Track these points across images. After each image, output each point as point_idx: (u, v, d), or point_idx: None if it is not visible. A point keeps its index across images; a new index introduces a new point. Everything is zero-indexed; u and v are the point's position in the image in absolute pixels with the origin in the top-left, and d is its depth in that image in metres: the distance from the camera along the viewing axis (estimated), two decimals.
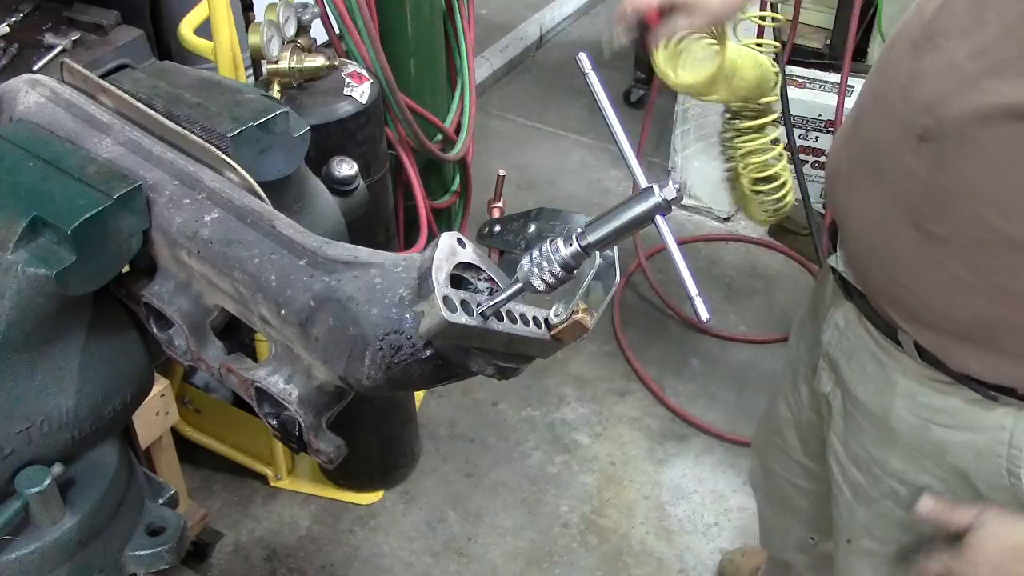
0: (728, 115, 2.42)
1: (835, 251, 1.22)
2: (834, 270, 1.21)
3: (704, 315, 0.68)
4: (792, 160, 2.54)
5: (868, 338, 1.16)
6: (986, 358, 1.02)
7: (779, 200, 2.46)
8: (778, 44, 2.20)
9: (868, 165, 1.07)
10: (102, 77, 0.99)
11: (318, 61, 1.82)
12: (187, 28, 1.88)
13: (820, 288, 1.36)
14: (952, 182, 0.95)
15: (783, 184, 2.43)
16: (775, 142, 2.40)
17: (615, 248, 0.73)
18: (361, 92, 1.88)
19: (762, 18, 2.47)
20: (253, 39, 1.74)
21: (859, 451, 1.23)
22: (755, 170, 2.41)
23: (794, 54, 2.69)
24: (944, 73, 0.95)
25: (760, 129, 2.33)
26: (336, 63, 1.88)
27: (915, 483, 1.16)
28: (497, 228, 1.10)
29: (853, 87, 2.33)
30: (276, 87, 1.80)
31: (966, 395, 1.06)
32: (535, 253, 0.71)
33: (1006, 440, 1.05)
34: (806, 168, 3.12)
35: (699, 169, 3.34)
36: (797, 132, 2.62)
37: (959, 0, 0.95)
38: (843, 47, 2.64)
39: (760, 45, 2.20)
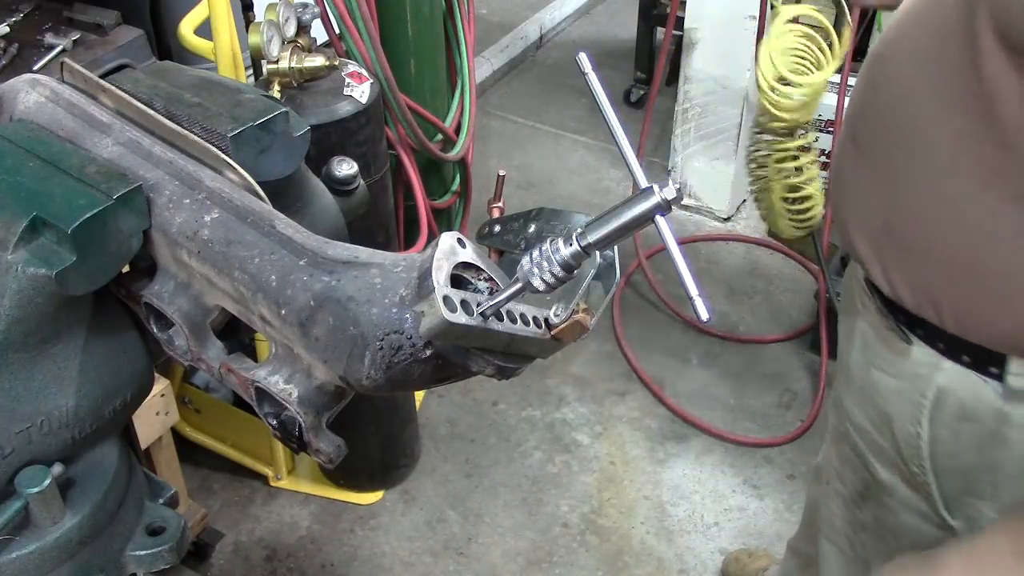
0: (757, 130, 2.48)
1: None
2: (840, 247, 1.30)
3: (704, 315, 0.68)
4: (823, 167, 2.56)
5: (854, 296, 1.24)
6: (901, 271, 1.08)
7: (809, 211, 2.50)
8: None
9: (845, 117, 1.20)
10: (102, 77, 0.99)
11: (318, 61, 1.82)
12: (187, 28, 1.88)
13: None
14: (871, 93, 1.09)
15: (811, 196, 2.48)
16: (803, 149, 2.44)
17: (615, 248, 0.73)
18: (361, 92, 1.88)
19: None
20: (253, 39, 1.74)
21: (836, 396, 1.33)
22: (786, 178, 2.44)
23: None
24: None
25: (791, 137, 2.42)
26: (336, 63, 1.88)
27: (859, 425, 1.24)
28: (497, 228, 1.10)
29: (853, 87, 2.33)
30: (276, 87, 1.80)
31: (897, 345, 1.12)
32: (535, 253, 0.71)
33: (921, 390, 1.10)
34: None
35: (699, 169, 3.34)
36: (797, 132, 2.63)
37: None
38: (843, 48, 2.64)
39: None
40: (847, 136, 1.14)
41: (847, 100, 1.31)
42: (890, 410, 1.16)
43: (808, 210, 2.50)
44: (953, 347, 1.06)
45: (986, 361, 1.02)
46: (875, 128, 1.09)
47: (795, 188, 2.47)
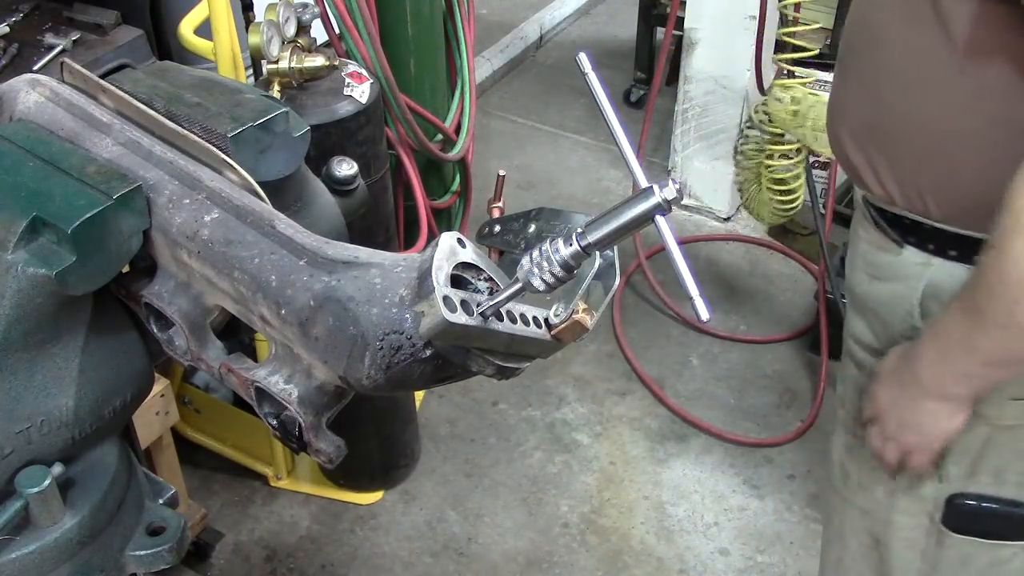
0: (748, 124, 2.60)
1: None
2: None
3: (704, 315, 0.68)
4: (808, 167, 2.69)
5: (857, 226, 1.34)
6: (890, 170, 1.18)
7: (792, 202, 2.68)
8: None
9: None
10: (102, 77, 0.99)
11: (318, 61, 1.82)
12: (187, 28, 1.88)
13: None
14: (853, 11, 1.21)
15: (797, 189, 2.65)
16: (799, 151, 2.60)
17: (615, 248, 0.73)
18: (361, 92, 1.88)
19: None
20: (253, 39, 1.74)
21: (846, 327, 1.42)
22: (776, 173, 2.62)
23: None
24: None
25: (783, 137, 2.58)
26: (336, 63, 1.88)
27: (860, 337, 1.34)
28: (497, 228, 1.10)
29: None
30: (276, 87, 1.80)
31: (894, 250, 1.23)
32: (535, 253, 0.71)
33: (913, 286, 1.21)
34: None
35: (699, 169, 3.34)
36: (788, 139, 2.69)
37: None
38: None
39: None
40: (838, 55, 1.28)
41: None
42: (887, 315, 1.26)
43: (791, 202, 2.69)
44: (942, 244, 1.17)
45: (972, 251, 1.11)
46: (852, 42, 1.22)
47: (782, 182, 2.65)
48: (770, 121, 2.61)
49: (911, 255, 1.20)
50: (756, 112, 2.72)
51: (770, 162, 2.74)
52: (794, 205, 2.81)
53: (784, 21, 2.60)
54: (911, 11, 1.08)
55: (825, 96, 2.39)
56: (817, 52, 2.61)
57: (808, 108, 2.46)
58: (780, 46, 2.63)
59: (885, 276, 1.26)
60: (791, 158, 2.71)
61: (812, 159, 2.95)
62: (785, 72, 2.63)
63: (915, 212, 1.17)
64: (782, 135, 2.67)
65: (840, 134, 1.26)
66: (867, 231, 1.29)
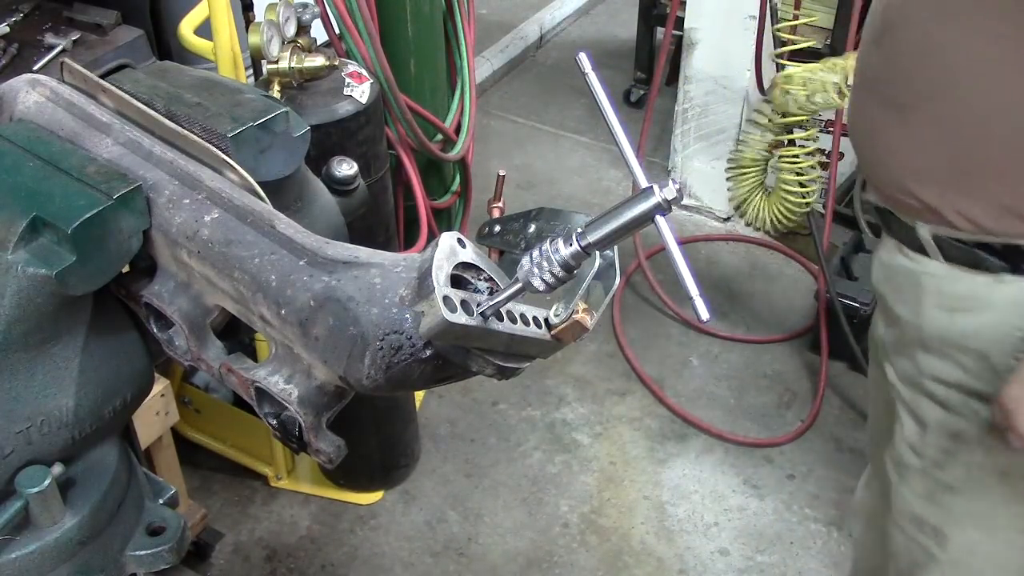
0: (747, 132, 2.59)
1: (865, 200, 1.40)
2: (867, 208, 1.37)
3: (704, 315, 0.68)
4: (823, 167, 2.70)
5: (901, 258, 1.31)
6: (980, 197, 1.16)
7: (808, 196, 2.67)
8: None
9: (859, 86, 1.31)
10: (102, 77, 0.99)
11: (318, 61, 1.82)
12: (187, 28, 1.88)
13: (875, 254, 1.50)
14: (897, 49, 1.19)
15: (814, 180, 2.65)
16: (812, 142, 2.60)
17: (615, 248, 0.73)
18: (361, 92, 1.88)
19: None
20: (253, 39, 1.74)
21: (907, 367, 1.35)
22: (797, 163, 2.61)
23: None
24: None
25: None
26: (336, 63, 1.88)
27: (948, 379, 1.29)
28: (497, 228, 1.10)
29: (862, 67, 2.39)
30: (276, 87, 1.80)
31: (982, 278, 1.20)
32: (535, 253, 0.71)
33: (1019, 313, 1.19)
34: None
35: (699, 169, 3.34)
36: (797, 132, 2.67)
37: None
38: (843, 47, 2.64)
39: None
40: (880, 105, 1.24)
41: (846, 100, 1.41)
42: (985, 346, 1.23)
43: (806, 196, 2.69)
44: None
45: None
46: (918, 89, 1.18)
47: (800, 174, 2.65)
48: (781, 116, 2.59)
49: (1010, 279, 1.19)
50: (759, 111, 2.71)
51: (783, 152, 2.71)
52: (810, 200, 2.78)
53: (776, 16, 2.59)
54: (994, 38, 1.08)
55: (827, 74, 2.42)
56: (814, 44, 2.62)
57: (820, 83, 2.46)
58: (779, 45, 2.63)
59: (974, 307, 1.23)
60: (805, 147, 2.69)
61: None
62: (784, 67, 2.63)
63: (1011, 231, 1.16)
64: (790, 129, 2.64)
65: (903, 180, 1.23)
66: (936, 266, 1.26)
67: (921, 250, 1.27)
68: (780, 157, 2.73)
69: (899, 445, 1.41)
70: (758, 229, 3.01)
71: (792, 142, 2.68)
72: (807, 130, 2.68)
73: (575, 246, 0.69)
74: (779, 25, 2.58)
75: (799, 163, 2.69)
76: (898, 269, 1.33)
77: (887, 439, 1.48)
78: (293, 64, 1.79)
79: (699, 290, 0.68)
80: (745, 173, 2.84)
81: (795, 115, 2.56)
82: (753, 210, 2.90)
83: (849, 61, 2.38)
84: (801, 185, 2.72)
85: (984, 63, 1.11)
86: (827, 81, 2.40)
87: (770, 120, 2.68)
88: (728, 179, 2.96)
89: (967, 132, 1.15)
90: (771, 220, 2.86)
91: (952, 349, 1.27)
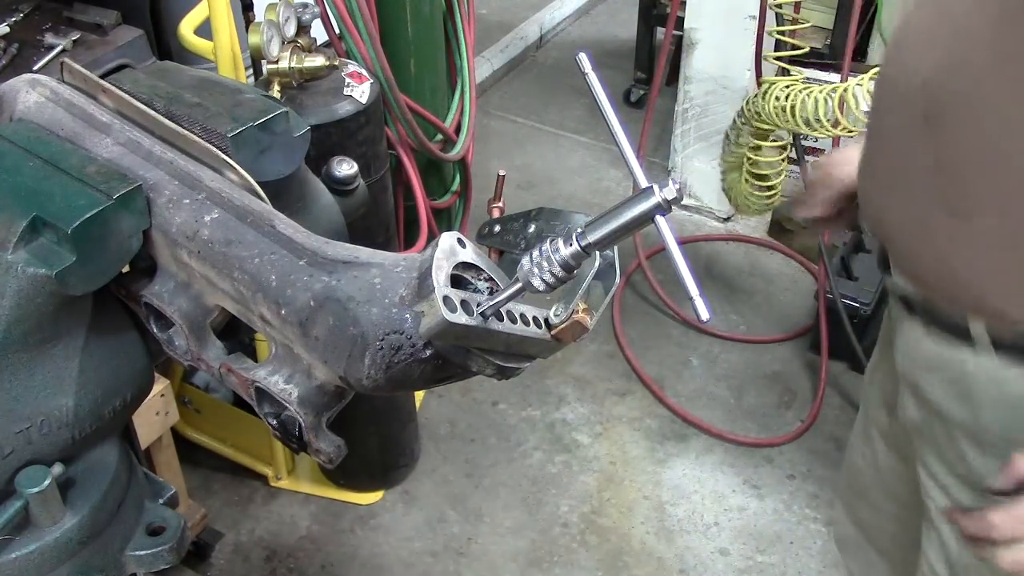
0: (743, 120, 2.63)
1: (888, 272, 1.20)
2: (892, 292, 1.20)
3: (704, 315, 0.68)
4: (796, 161, 2.74)
5: (942, 346, 1.13)
6: None
7: (770, 198, 2.75)
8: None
9: (886, 163, 1.08)
10: (102, 77, 0.99)
11: (318, 61, 1.82)
12: (187, 28, 1.88)
13: (887, 322, 1.33)
14: (957, 139, 0.95)
15: (776, 185, 2.73)
16: (783, 149, 2.66)
17: (615, 248, 0.73)
18: (361, 92, 1.88)
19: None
20: (253, 39, 1.74)
21: (960, 468, 1.16)
22: (758, 168, 2.67)
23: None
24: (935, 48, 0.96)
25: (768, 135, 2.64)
26: (336, 63, 1.88)
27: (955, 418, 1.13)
28: (497, 228, 1.09)
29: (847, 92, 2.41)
30: (276, 87, 1.80)
31: None
32: (535, 253, 0.71)
33: None
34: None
35: (699, 169, 3.34)
36: (767, 140, 2.72)
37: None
38: (843, 47, 2.64)
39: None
40: (931, 202, 1.01)
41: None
42: None
43: (769, 198, 2.86)
44: None
45: None
46: (986, 185, 0.96)
47: (763, 178, 2.72)
48: (758, 117, 2.61)
49: None
50: (747, 108, 2.72)
51: (753, 156, 2.76)
52: (771, 201, 2.86)
53: (781, 20, 2.60)
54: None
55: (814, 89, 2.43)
56: (809, 49, 2.63)
57: (798, 103, 2.47)
58: (779, 46, 2.63)
59: None
60: (773, 156, 2.76)
61: (812, 159, 2.96)
62: (782, 71, 2.64)
63: None
64: (768, 132, 2.68)
65: (959, 280, 1.04)
66: (987, 361, 1.07)
67: (966, 340, 1.09)
68: (750, 158, 2.77)
69: (932, 556, 1.24)
70: (737, 208, 3.08)
71: (759, 148, 2.72)
72: (780, 139, 2.73)
73: (575, 246, 0.69)
74: (777, 27, 2.58)
75: (761, 171, 2.76)
76: (935, 359, 1.16)
77: (905, 542, 1.35)
78: (293, 64, 1.79)
79: (699, 290, 0.68)
80: (737, 148, 2.88)
81: (768, 123, 2.58)
82: (731, 189, 2.96)
83: (849, 90, 2.39)
84: (761, 189, 2.79)
85: None
86: (819, 100, 2.42)
87: (751, 117, 2.69)
88: (722, 149, 3.01)
89: None
90: (749, 204, 2.93)
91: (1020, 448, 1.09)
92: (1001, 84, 0.90)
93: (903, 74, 1.02)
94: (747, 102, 2.71)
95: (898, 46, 1.05)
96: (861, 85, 2.38)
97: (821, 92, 2.43)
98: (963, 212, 0.98)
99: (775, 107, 2.51)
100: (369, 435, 2.31)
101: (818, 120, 2.44)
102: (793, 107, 2.47)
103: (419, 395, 2.66)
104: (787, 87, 2.50)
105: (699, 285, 0.68)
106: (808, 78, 2.66)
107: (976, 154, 0.95)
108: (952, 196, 0.99)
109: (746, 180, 2.84)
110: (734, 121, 2.82)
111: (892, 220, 1.11)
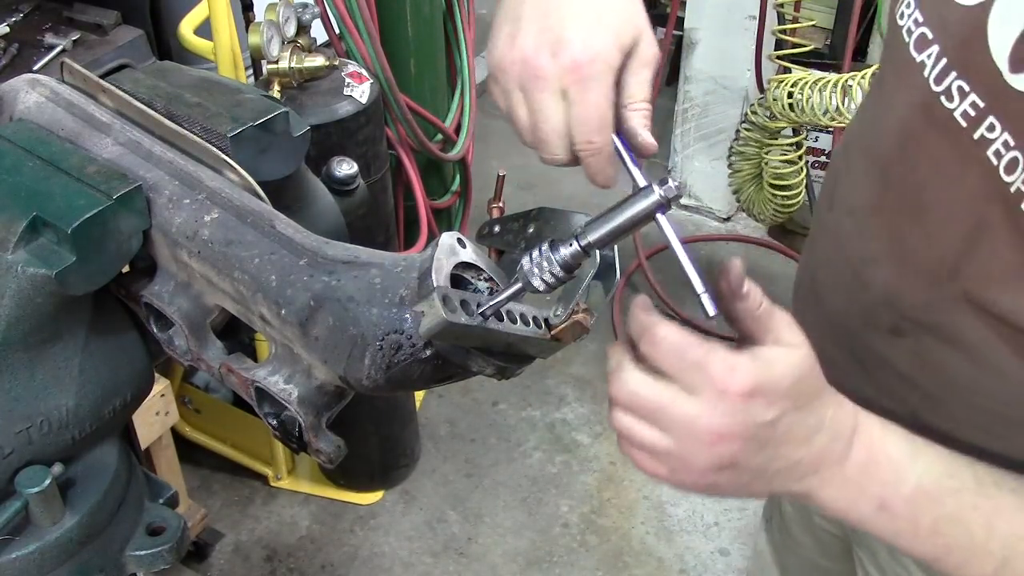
0: (747, 126, 2.63)
1: None
2: None
3: (711, 311, 0.67)
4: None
5: None
6: None
7: (794, 199, 2.71)
8: None
9: (842, 346, 0.93)
10: (102, 77, 0.99)
11: (318, 61, 1.82)
12: (187, 28, 1.88)
13: None
14: (942, 376, 0.84)
15: (797, 185, 2.69)
16: (798, 147, 2.65)
17: (615, 248, 0.73)
18: (361, 92, 1.88)
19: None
20: (253, 39, 1.74)
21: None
22: (777, 169, 2.66)
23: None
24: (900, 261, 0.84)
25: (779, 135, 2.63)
26: (336, 63, 1.88)
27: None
28: (497, 228, 1.09)
29: (851, 86, 2.41)
30: (276, 87, 1.80)
31: None
32: (535, 253, 0.71)
33: None
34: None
35: (699, 169, 3.34)
36: (783, 137, 2.71)
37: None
38: (843, 47, 2.65)
39: None
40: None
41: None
42: None
43: (793, 199, 2.73)
44: None
45: None
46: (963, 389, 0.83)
47: (781, 177, 2.70)
48: (770, 117, 2.62)
49: None
50: (754, 110, 2.73)
51: (769, 157, 2.75)
52: (795, 202, 2.82)
53: (782, 19, 2.61)
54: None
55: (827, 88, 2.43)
56: (813, 48, 2.63)
57: (806, 96, 2.47)
58: (779, 45, 2.64)
59: None
60: (789, 154, 2.74)
61: (811, 159, 2.96)
62: (783, 70, 2.64)
63: None
64: (778, 132, 2.68)
65: None
66: None
67: None
68: (767, 161, 2.76)
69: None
70: (760, 221, 3.04)
71: (770, 149, 2.72)
72: (798, 134, 2.70)
73: (575, 246, 0.69)
74: (779, 27, 2.59)
75: (780, 170, 2.73)
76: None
77: None
78: (293, 64, 1.79)
79: (704, 287, 0.67)
80: (746, 161, 2.87)
81: (783, 120, 2.58)
82: (747, 199, 2.94)
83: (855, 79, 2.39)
84: (783, 189, 2.76)
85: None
86: (825, 94, 2.42)
87: (759, 117, 2.70)
88: (728, 166, 2.98)
89: (1004, 430, 0.82)
90: (761, 213, 2.90)
91: None
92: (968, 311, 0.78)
93: (859, 267, 0.89)
94: (753, 107, 2.72)
95: (857, 225, 0.90)
96: (865, 78, 2.38)
97: (836, 82, 2.43)
98: (941, 432, 0.81)
99: (794, 101, 2.49)
100: (369, 435, 2.31)
101: (837, 110, 2.43)
102: (809, 99, 2.47)
103: (419, 395, 2.66)
104: (798, 81, 2.50)
105: (705, 282, 0.67)
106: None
107: (953, 380, 0.83)
108: (927, 410, 0.87)
109: (767, 189, 2.81)
110: (738, 132, 2.82)
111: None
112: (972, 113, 0.74)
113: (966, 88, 0.74)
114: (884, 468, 0.70)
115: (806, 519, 1.25)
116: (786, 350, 0.68)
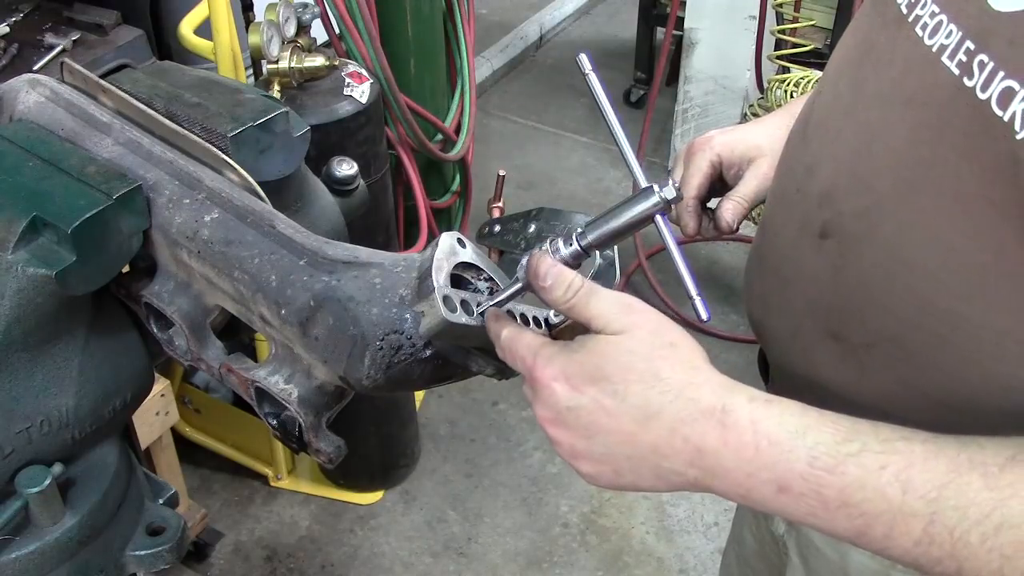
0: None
1: (766, 379, 1.08)
2: None
3: (704, 315, 0.68)
4: None
5: None
6: None
7: None
8: None
9: (775, 273, 0.93)
10: (102, 77, 0.99)
11: (318, 61, 1.82)
12: (187, 28, 1.88)
13: None
14: (861, 279, 0.81)
15: None
16: None
17: (615, 248, 0.73)
18: (361, 92, 1.88)
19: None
20: (253, 39, 1.74)
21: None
22: None
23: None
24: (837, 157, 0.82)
25: None
26: (336, 63, 1.88)
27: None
28: (497, 228, 1.09)
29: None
30: (276, 87, 1.80)
31: None
32: (535, 253, 0.71)
33: None
34: None
35: None
36: None
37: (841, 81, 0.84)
38: None
39: None
40: (823, 335, 0.86)
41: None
42: None
43: None
44: None
45: None
46: (886, 320, 0.81)
47: None
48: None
49: None
50: (754, 110, 2.73)
51: None
52: None
53: (782, 19, 2.61)
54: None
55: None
56: (813, 48, 2.63)
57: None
58: (779, 45, 2.64)
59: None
60: None
61: None
62: (783, 70, 2.64)
63: None
64: None
65: (848, 409, 0.81)
66: None
67: None
68: None
69: None
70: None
71: None
72: None
73: (575, 246, 0.69)
74: (779, 27, 2.59)
75: None
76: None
77: None
78: (293, 64, 1.79)
79: (698, 290, 0.68)
80: None
81: None
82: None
83: None
84: None
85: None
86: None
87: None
88: None
89: (969, 380, 0.77)
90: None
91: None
92: (909, 215, 0.75)
93: (802, 176, 0.87)
94: (752, 107, 2.72)
95: (804, 138, 0.90)
96: None
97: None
98: (851, 339, 0.83)
99: (786, 100, 2.50)
100: (369, 435, 2.31)
101: None
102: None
103: (419, 395, 2.66)
104: (799, 81, 2.50)
105: (698, 285, 0.68)
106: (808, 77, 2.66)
107: (874, 284, 0.80)
108: (841, 320, 0.85)
109: None
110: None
111: (772, 327, 0.97)
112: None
113: None
114: (766, 451, 0.67)
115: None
116: (596, 337, 0.68)
